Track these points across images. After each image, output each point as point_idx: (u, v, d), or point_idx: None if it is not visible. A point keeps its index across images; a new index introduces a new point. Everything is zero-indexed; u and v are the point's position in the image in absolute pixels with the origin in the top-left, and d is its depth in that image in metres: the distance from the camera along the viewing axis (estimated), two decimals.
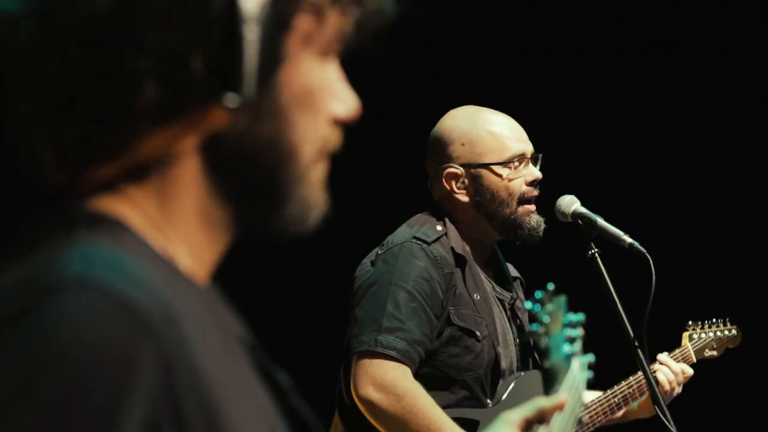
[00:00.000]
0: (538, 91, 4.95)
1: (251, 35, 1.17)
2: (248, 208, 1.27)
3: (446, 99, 3.74)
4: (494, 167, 3.48)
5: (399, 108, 4.64)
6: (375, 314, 3.34)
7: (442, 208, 3.55)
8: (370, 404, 3.26)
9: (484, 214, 3.51)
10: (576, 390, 2.02)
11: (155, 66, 1.18)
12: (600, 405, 3.61)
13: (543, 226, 3.55)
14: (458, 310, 3.40)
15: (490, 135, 3.50)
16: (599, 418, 3.60)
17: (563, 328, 2.13)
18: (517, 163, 3.50)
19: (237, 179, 1.25)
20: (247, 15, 1.17)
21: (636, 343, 3.32)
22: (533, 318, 2.13)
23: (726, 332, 4.08)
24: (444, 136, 3.53)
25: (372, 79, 4.47)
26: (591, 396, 3.63)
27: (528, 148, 3.54)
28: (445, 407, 3.31)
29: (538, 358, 2.10)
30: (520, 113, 3.63)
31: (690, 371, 3.76)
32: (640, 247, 3.37)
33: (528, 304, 2.14)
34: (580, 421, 2.11)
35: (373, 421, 3.30)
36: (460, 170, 3.49)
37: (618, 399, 3.64)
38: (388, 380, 3.25)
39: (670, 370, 3.70)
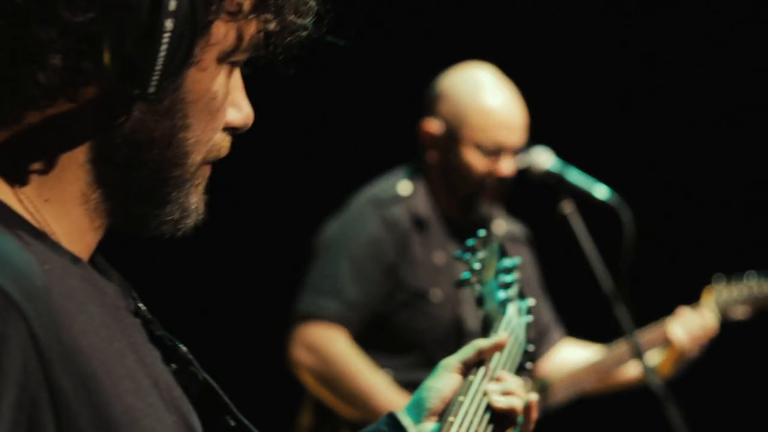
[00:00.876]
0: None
1: (169, 31, 1.17)
2: (130, 203, 1.28)
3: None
4: (468, 145, 3.38)
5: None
6: (315, 279, 3.36)
7: (418, 163, 3.50)
8: (300, 367, 3.29)
9: (446, 181, 3.46)
10: (514, 334, 1.96)
11: (63, 41, 1.17)
12: (589, 369, 3.55)
13: (494, 219, 3.48)
14: (412, 273, 3.37)
15: (480, 113, 3.37)
16: (588, 383, 3.54)
17: (497, 275, 2.06)
18: (492, 154, 3.38)
19: (125, 173, 1.25)
20: (171, 9, 1.17)
21: (614, 298, 3.29)
22: (465, 266, 2.06)
23: (758, 288, 3.74)
24: (440, 89, 3.44)
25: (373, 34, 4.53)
26: (581, 355, 3.60)
27: (512, 142, 3.39)
28: (401, 371, 3.30)
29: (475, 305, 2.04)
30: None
31: (711, 329, 3.58)
32: (610, 202, 3.34)
33: (458, 253, 2.09)
34: (524, 368, 2.05)
35: (308, 386, 3.32)
36: (438, 128, 3.42)
37: (610, 362, 3.53)
38: (318, 343, 3.26)
39: (685, 324, 3.53)
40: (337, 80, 4.29)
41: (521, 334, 2.02)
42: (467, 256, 2.07)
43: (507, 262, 2.11)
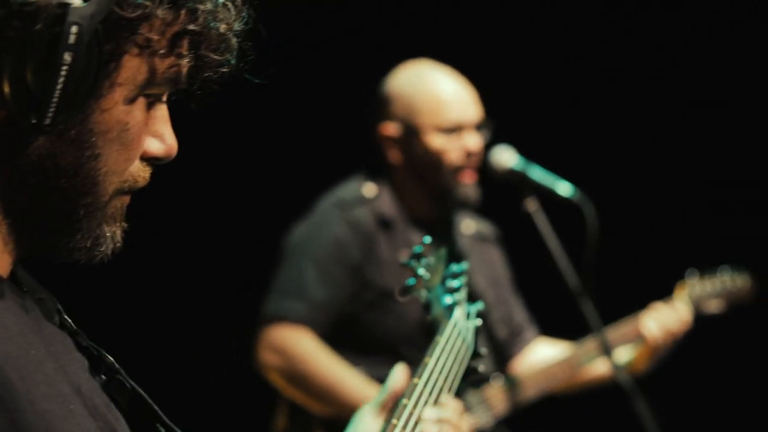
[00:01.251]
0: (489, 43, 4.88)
1: (67, 64, 1.19)
2: (40, 230, 1.30)
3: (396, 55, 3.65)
4: (429, 132, 3.39)
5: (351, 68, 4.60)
6: (280, 281, 3.37)
7: (381, 167, 3.49)
8: (266, 369, 3.29)
9: (416, 177, 3.45)
10: (458, 339, 1.99)
11: None
12: (559, 365, 3.54)
13: (477, 196, 3.47)
14: (378, 274, 3.37)
15: (430, 97, 3.39)
16: (559, 380, 3.53)
17: (444, 280, 2.09)
18: (454, 132, 3.39)
19: (34, 200, 1.27)
20: (70, 43, 1.19)
21: (577, 294, 3.30)
22: (409, 273, 2.07)
23: (731, 282, 3.77)
24: (386, 91, 3.45)
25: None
26: (556, 353, 3.59)
27: (470, 117, 3.41)
28: (373, 369, 3.28)
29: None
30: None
31: (684, 324, 3.59)
32: (573, 199, 3.35)
33: (403, 260, 2.10)
34: (475, 370, 2.07)
35: (278, 388, 3.32)
36: (394, 129, 3.42)
37: (579, 357, 3.53)
38: (283, 343, 3.27)
39: (658, 319, 3.55)
40: (297, 88, 4.30)
41: (469, 337, 2.04)
42: (413, 263, 2.07)
43: (455, 267, 2.14)
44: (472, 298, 2.13)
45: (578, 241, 3.39)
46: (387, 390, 1.88)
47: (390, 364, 3.23)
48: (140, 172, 1.33)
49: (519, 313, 3.65)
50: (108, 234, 1.33)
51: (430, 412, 1.80)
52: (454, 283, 2.09)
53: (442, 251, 2.13)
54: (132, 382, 1.50)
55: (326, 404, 3.27)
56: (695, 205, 4.92)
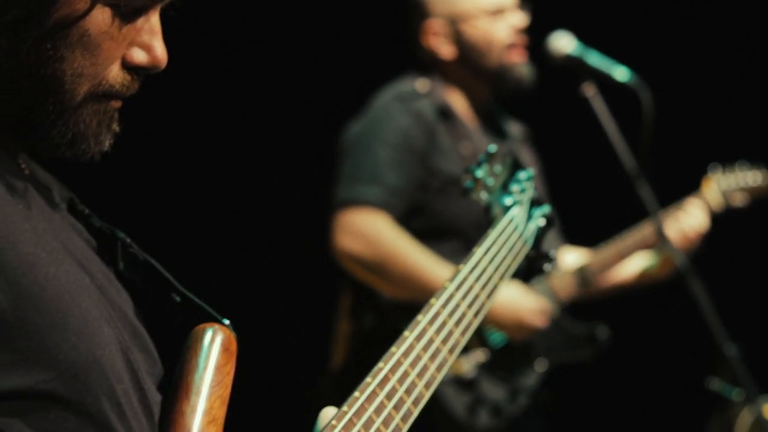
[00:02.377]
0: None
1: None
2: (20, 126, 1.41)
3: None
4: (473, 18, 3.43)
5: None
6: (351, 170, 3.37)
7: (429, 65, 3.52)
8: (347, 255, 3.27)
9: (469, 68, 3.49)
10: (513, 234, 2.03)
11: None
12: (603, 255, 3.60)
13: (532, 76, 3.51)
14: (443, 161, 3.40)
15: None
16: (606, 268, 3.58)
17: (507, 184, 2.13)
18: (498, 12, 3.45)
19: (4, 98, 1.38)
20: None
21: (636, 177, 3.32)
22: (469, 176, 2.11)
23: (752, 178, 3.85)
24: None
25: None
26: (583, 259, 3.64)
27: None
28: (444, 257, 3.30)
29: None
30: None
31: (702, 227, 3.64)
32: (630, 83, 3.35)
33: (468, 167, 2.12)
34: (540, 269, 2.13)
35: (354, 273, 3.31)
36: (439, 25, 3.46)
37: (626, 246, 3.59)
38: (364, 228, 3.25)
39: (676, 224, 3.60)
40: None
41: (527, 235, 2.09)
42: (474, 167, 2.11)
43: (521, 174, 2.16)
44: (538, 202, 2.16)
45: (635, 126, 3.41)
46: None
47: (460, 250, 3.34)
48: (119, 78, 1.41)
49: None
50: (90, 134, 1.41)
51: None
52: (516, 187, 2.12)
53: (509, 159, 2.17)
54: (146, 255, 1.58)
55: (406, 288, 3.27)
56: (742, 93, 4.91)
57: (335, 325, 3.50)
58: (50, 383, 1.32)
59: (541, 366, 3.46)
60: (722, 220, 3.77)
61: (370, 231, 3.24)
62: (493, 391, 3.32)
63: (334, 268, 3.43)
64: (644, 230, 3.57)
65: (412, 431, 3.16)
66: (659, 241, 3.48)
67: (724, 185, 3.78)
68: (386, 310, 3.35)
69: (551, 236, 3.48)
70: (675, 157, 4.41)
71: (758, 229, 4.69)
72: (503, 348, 3.36)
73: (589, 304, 3.68)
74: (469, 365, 3.29)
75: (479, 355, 3.33)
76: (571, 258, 3.64)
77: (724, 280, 3.87)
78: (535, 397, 3.44)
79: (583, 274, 3.53)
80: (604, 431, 5.24)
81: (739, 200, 3.82)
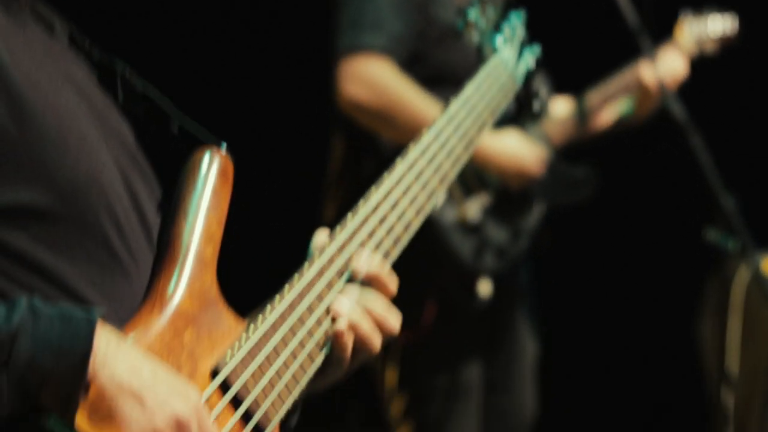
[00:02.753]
0: None
1: None
2: None
3: None
4: None
5: None
6: (353, 17, 3.32)
7: None
8: (356, 103, 3.25)
9: None
10: (503, 73, 2.09)
11: None
12: (592, 98, 3.65)
13: None
14: (441, 11, 3.38)
15: None
16: (596, 109, 3.63)
17: (499, 25, 2.17)
18: None
19: None
20: None
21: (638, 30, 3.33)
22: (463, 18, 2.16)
23: (722, 23, 3.86)
24: None
25: None
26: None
27: None
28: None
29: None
30: None
31: (681, 69, 3.68)
32: None
33: (463, 10, 2.17)
34: (529, 107, 2.20)
35: (362, 122, 3.30)
36: None
37: (613, 89, 3.64)
38: (372, 75, 3.22)
39: (655, 67, 3.56)
40: None
41: (517, 74, 2.15)
42: (468, 9, 2.16)
43: (513, 16, 2.20)
44: (529, 43, 2.19)
45: None
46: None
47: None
48: None
49: None
50: None
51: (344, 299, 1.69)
52: (507, 29, 2.17)
53: (500, 1, 2.21)
54: (145, 86, 1.62)
55: (413, 134, 3.25)
56: None
57: (327, 171, 3.53)
58: (52, 200, 1.39)
59: (539, 207, 3.52)
60: (720, 68, 3.79)
61: (377, 78, 3.22)
62: (497, 233, 3.39)
63: (326, 113, 3.44)
64: (627, 75, 3.61)
65: (422, 278, 3.25)
66: (638, 86, 3.51)
67: (696, 30, 3.80)
68: (388, 156, 3.37)
69: (541, 82, 3.54)
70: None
71: (753, 83, 4.69)
72: (504, 191, 3.42)
73: (585, 151, 3.73)
74: (474, 209, 3.35)
75: (483, 199, 3.39)
76: (560, 106, 3.68)
77: (724, 130, 3.91)
78: (535, 238, 3.50)
79: (579, 114, 3.57)
80: (598, 281, 5.31)
81: (710, 48, 3.85)
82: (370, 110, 3.24)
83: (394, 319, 1.65)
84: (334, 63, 3.29)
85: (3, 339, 1.27)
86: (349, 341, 1.62)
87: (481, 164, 3.31)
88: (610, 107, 3.68)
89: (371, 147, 3.39)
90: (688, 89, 3.65)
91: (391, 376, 3.45)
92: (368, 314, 1.64)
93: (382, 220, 1.77)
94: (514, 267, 3.47)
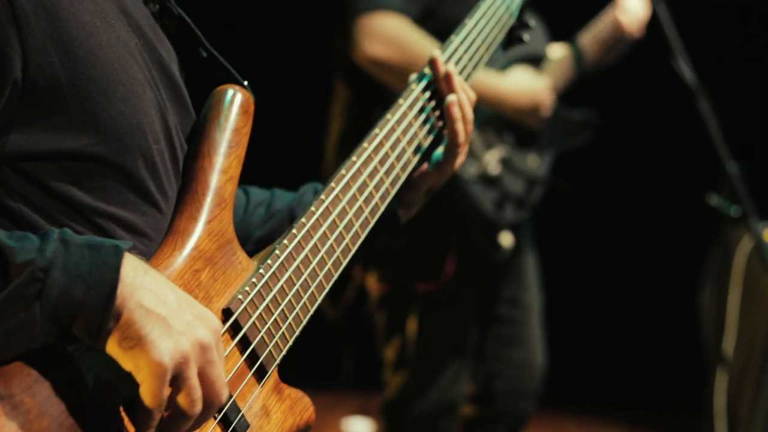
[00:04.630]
0: None
1: None
2: None
3: None
4: None
5: None
6: None
7: None
8: (375, 60, 3.24)
9: None
10: (501, 6, 2.15)
11: None
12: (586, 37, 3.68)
13: None
14: None
15: None
16: (594, 47, 3.65)
17: None
18: None
19: None
20: None
21: None
22: None
23: None
24: None
25: None
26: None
27: None
28: None
29: None
30: None
31: (646, 11, 3.69)
32: None
33: None
34: (520, 39, 2.23)
35: (381, 79, 3.29)
36: None
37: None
38: (391, 32, 3.22)
39: (626, 8, 3.64)
40: None
41: (513, 7, 2.19)
42: None
43: None
44: None
45: None
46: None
47: None
48: None
49: None
50: None
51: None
52: None
53: None
54: (180, 10, 1.64)
55: None
56: None
57: (329, 120, 3.54)
58: (96, 146, 1.42)
59: (548, 155, 3.55)
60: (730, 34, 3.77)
61: (395, 34, 3.22)
62: (515, 184, 3.44)
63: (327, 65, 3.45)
64: (609, 15, 3.67)
65: (445, 231, 3.28)
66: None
67: None
68: None
69: (539, 33, 3.55)
70: None
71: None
72: (518, 142, 3.45)
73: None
74: (494, 163, 3.38)
75: (500, 151, 3.41)
76: (556, 50, 3.69)
77: (734, 98, 3.91)
78: (548, 186, 3.54)
79: (575, 54, 3.59)
80: (603, 239, 5.34)
81: None
82: (391, 65, 3.22)
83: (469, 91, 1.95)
84: (350, 22, 3.28)
85: (37, 271, 1.28)
86: (457, 112, 1.89)
87: (496, 105, 3.33)
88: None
89: (382, 97, 3.36)
90: (698, 55, 3.64)
91: (380, 323, 3.51)
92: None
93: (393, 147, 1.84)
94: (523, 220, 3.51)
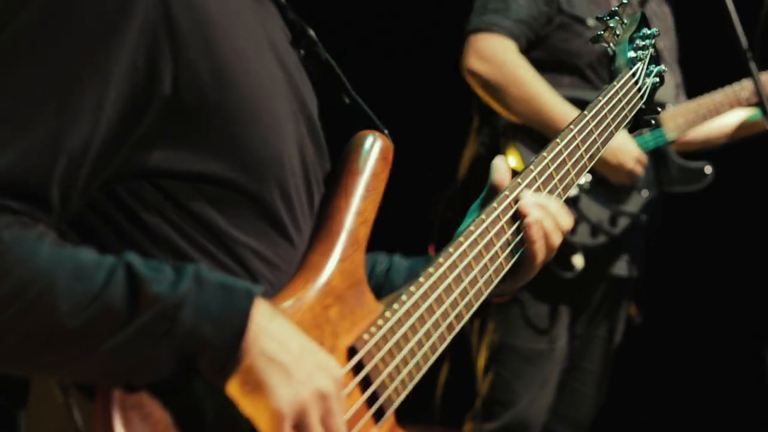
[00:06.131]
0: None
1: None
2: None
3: None
4: None
5: None
6: (485, 1, 3.54)
7: None
8: (474, 75, 3.47)
9: None
10: (633, 88, 2.16)
11: None
12: (698, 104, 3.68)
13: None
14: (570, 3, 3.51)
15: None
16: (701, 116, 3.67)
17: (634, 38, 2.23)
18: None
19: None
20: None
21: (747, 53, 3.33)
22: (602, 25, 2.24)
23: None
24: None
25: None
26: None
27: None
28: (557, 88, 3.46)
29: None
30: None
31: None
32: None
33: (600, 15, 2.27)
34: (648, 122, 2.25)
35: (480, 94, 3.51)
36: None
37: (721, 99, 3.68)
38: (491, 51, 3.45)
39: None
40: None
41: (645, 91, 2.21)
42: (607, 17, 2.24)
43: (646, 30, 2.26)
44: (656, 60, 2.26)
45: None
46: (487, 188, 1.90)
47: (572, 84, 3.51)
48: None
49: (675, 77, 3.79)
50: None
51: (530, 195, 1.84)
52: (642, 42, 2.23)
53: (638, 14, 2.28)
54: (327, 55, 1.67)
55: (523, 112, 3.43)
56: None
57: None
58: (235, 172, 1.44)
59: (645, 193, 3.59)
60: None
61: (497, 54, 3.45)
62: (594, 210, 3.52)
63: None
64: (741, 89, 3.66)
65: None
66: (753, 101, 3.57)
67: None
68: (502, 130, 3.53)
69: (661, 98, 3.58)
70: None
71: None
72: (604, 179, 3.52)
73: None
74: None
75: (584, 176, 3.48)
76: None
77: None
78: (637, 222, 3.60)
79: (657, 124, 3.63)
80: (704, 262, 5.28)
81: None
82: (487, 82, 3.46)
83: (568, 218, 1.85)
84: (465, 40, 3.53)
85: (168, 308, 1.30)
86: (537, 233, 1.78)
87: None
88: (729, 116, 3.72)
89: (491, 121, 3.58)
90: None
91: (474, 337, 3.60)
92: (546, 211, 1.82)
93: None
94: (616, 253, 3.57)
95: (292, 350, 1.36)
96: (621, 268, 3.62)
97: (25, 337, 1.27)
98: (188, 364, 1.32)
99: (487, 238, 1.74)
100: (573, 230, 3.46)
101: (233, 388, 1.34)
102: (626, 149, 3.47)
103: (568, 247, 3.47)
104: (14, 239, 1.27)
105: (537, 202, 1.80)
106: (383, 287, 1.81)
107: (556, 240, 1.83)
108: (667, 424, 5.48)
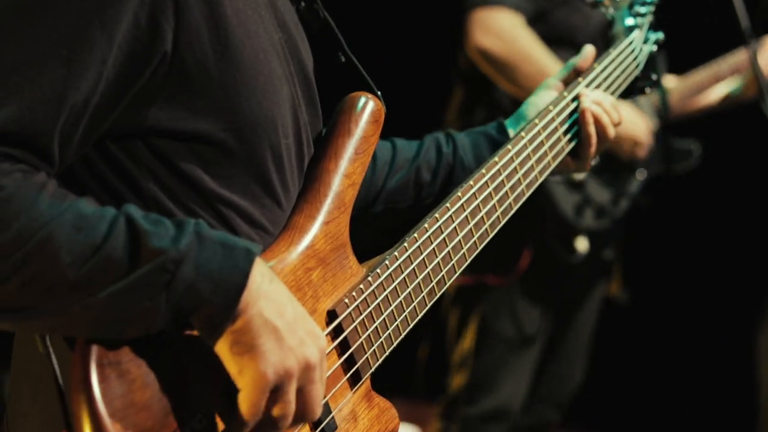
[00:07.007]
0: None
1: None
2: None
3: None
4: None
5: None
6: None
7: None
8: (483, 52, 3.32)
9: None
10: (629, 56, 2.15)
11: None
12: (696, 77, 3.68)
13: None
14: None
15: None
16: (690, 94, 3.67)
17: (633, 4, 2.21)
18: None
19: None
20: None
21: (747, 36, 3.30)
22: None
23: None
24: None
25: None
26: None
27: None
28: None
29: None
30: None
31: None
32: None
33: None
34: (642, 90, 2.23)
35: (487, 71, 3.37)
36: None
37: (715, 71, 3.67)
38: (500, 27, 3.31)
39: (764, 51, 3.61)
40: None
41: (641, 58, 2.20)
42: None
43: None
44: (655, 27, 2.25)
45: None
46: (567, 67, 2.04)
47: (566, 58, 3.40)
48: None
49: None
50: None
51: (590, 92, 1.97)
52: (641, 9, 2.21)
53: None
54: (325, 12, 1.66)
55: (533, 88, 3.33)
56: None
57: (444, 119, 3.59)
58: (229, 132, 1.43)
59: (641, 174, 3.56)
60: None
61: (506, 29, 3.31)
62: (599, 193, 3.47)
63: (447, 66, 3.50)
64: (737, 57, 3.64)
65: (523, 227, 3.31)
66: (748, 68, 3.54)
67: None
68: (500, 107, 3.43)
69: (659, 65, 3.55)
70: None
71: None
72: (610, 156, 3.46)
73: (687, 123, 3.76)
74: None
75: None
76: (669, 83, 3.71)
77: None
78: (635, 202, 3.56)
79: (661, 102, 3.59)
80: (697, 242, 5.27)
81: None
82: (497, 58, 3.32)
83: (619, 113, 1.99)
84: (466, 15, 3.37)
85: (169, 262, 1.29)
86: (590, 118, 1.95)
87: None
88: (720, 86, 3.70)
89: (486, 98, 3.45)
90: None
91: (452, 320, 3.56)
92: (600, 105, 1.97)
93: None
94: (607, 233, 3.54)
95: (286, 315, 1.36)
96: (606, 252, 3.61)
97: (25, 285, 1.27)
98: (183, 318, 1.32)
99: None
100: (580, 214, 3.41)
101: (223, 347, 1.33)
102: (638, 122, 3.43)
103: (572, 231, 3.42)
104: (16, 187, 1.27)
105: (591, 97, 1.95)
106: (454, 168, 1.92)
107: (610, 131, 1.98)
108: (655, 408, 5.49)
